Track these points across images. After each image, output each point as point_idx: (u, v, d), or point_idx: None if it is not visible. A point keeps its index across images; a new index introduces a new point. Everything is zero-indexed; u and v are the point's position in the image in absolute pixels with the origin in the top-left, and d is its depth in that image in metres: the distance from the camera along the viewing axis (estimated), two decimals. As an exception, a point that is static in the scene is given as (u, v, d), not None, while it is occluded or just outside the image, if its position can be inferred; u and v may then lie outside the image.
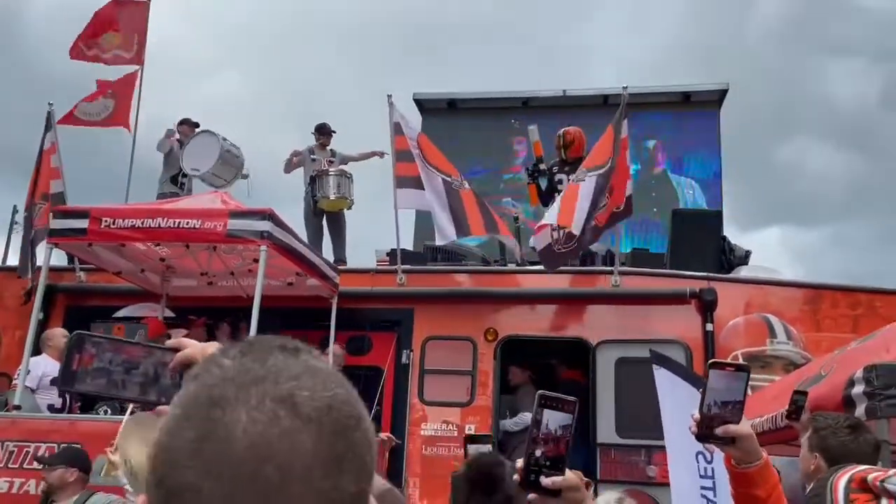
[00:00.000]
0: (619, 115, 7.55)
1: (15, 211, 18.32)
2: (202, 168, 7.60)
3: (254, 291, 6.29)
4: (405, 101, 12.78)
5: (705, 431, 1.79)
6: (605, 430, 7.35)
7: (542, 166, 8.83)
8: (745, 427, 1.81)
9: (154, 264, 7.58)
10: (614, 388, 7.43)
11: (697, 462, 4.75)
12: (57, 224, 6.52)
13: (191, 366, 1.00)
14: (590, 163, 7.44)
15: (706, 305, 7.52)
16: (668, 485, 5.00)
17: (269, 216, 6.29)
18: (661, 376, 5.13)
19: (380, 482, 0.98)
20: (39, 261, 7.91)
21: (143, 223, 6.29)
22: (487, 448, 1.87)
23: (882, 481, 2.35)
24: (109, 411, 6.11)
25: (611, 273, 7.88)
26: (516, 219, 9.66)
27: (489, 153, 12.93)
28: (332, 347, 7.42)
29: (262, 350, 0.70)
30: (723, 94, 12.56)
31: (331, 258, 8.15)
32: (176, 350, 1.04)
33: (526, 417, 7.72)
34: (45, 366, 6.66)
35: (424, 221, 9.98)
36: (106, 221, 6.31)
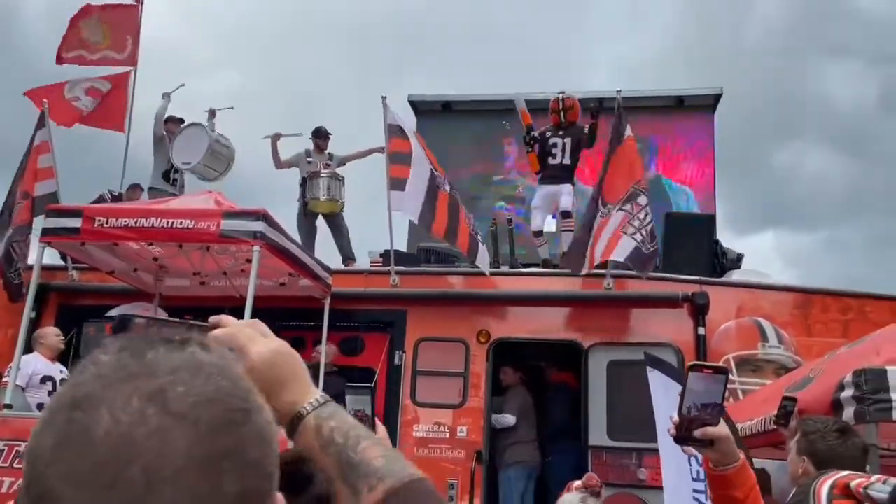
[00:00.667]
0: (618, 122, 7.63)
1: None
2: (193, 161, 7.54)
3: (246, 291, 6.29)
4: (401, 102, 12.80)
5: (684, 434, 1.80)
6: (597, 433, 7.37)
7: (535, 133, 8.82)
8: (723, 429, 1.82)
9: (147, 264, 7.57)
10: (606, 390, 7.46)
11: (690, 465, 4.76)
12: (50, 223, 6.50)
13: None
14: (611, 197, 7.48)
15: (698, 309, 7.55)
16: (659, 488, 5.02)
17: (263, 217, 6.29)
18: (655, 379, 5.14)
19: (405, 471, 0.92)
20: (29, 259, 7.90)
21: (136, 223, 6.28)
22: (366, 401, 1.75)
23: (865, 488, 2.37)
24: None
25: (603, 276, 7.90)
26: (510, 220, 9.68)
27: (481, 155, 12.94)
28: (324, 347, 7.43)
29: (144, 344, 0.66)
30: (717, 98, 12.58)
31: (324, 259, 8.14)
32: (214, 327, 1.01)
33: (507, 419, 7.74)
34: (36, 364, 6.64)
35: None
36: (99, 221, 6.30)
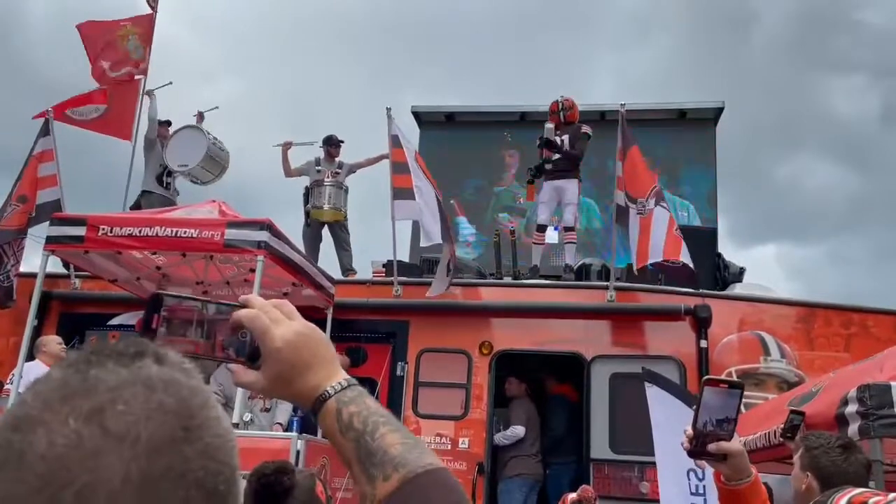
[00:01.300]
0: (623, 135, 7.68)
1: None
2: (190, 163, 7.47)
3: (249, 301, 6.27)
4: (406, 112, 12.84)
5: (698, 448, 1.80)
6: (599, 446, 7.35)
7: (542, 136, 8.85)
8: (737, 444, 1.82)
9: (150, 273, 7.57)
10: (608, 403, 7.45)
11: (689, 479, 4.76)
12: (54, 231, 6.51)
13: (242, 327, 0.97)
14: (638, 193, 7.56)
15: (701, 322, 7.55)
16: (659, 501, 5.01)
17: (268, 226, 6.30)
18: (653, 394, 5.16)
19: (422, 460, 0.90)
20: (33, 268, 7.87)
21: (140, 232, 6.29)
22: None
23: None
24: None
25: (606, 288, 7.90)
26: (513, 232, 9.70)
27: (484, 166, 12.98)
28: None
29: (92, 359, 0.64)
30: (719, 111, 12.61)
31: (328, 269, 8.13)
32: (243, 306, 0.99)
33: (517, 431, 7.71)
34: (38, 372, 6.60)
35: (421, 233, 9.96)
36: (103, 229, 6.31)
